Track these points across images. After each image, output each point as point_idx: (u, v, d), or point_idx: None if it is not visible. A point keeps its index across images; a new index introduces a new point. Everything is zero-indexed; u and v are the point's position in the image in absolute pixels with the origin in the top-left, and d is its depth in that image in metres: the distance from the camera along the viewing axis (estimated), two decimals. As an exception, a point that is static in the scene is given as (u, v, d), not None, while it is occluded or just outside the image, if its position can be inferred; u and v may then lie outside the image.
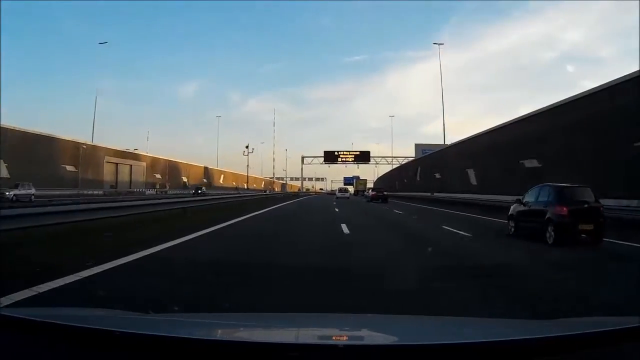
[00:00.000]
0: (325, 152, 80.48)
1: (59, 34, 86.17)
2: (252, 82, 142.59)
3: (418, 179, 40.40)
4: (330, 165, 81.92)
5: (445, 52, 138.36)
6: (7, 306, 2.47)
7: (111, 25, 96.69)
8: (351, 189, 79.44)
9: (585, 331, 1.44)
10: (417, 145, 68.55)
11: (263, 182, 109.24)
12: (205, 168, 78.88)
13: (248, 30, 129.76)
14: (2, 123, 27.52)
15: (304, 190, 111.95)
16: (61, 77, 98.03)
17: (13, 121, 36.29)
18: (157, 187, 57.65)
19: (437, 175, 33.39)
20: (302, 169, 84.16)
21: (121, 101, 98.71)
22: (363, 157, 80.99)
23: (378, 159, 77.80)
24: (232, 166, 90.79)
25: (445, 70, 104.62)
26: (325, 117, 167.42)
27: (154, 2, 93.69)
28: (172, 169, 65.36)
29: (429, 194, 31.42)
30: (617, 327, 1.46)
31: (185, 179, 72.19)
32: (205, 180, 78.15)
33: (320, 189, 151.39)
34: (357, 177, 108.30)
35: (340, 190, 53.64)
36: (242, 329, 1.75)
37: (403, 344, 1.48)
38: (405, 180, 50.55)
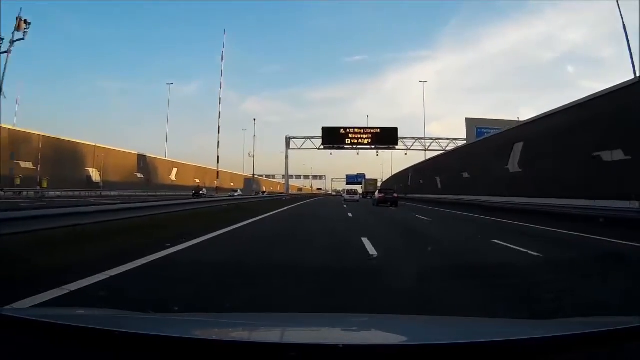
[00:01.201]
0: (326, 130, 53.42)
1: (56, 34, 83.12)
2: (251, 82, 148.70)
3: (514, 168, 23.98)
4: (333, 151, 54.48)
5: (445, 53, 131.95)
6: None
7: (110, 25, 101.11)
8: (359, 190, 67.33)
9: (585, 331, 1.45)
10: (469, 121, 49.53)
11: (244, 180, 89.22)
12: (140, 157, 59.73)
13: (247, 31, 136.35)
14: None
15: (296, 190, 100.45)
16: (61, 77, 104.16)
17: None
18: (17, 183, 36.05)
19: (609, 157, 15.68)
20: (286, 155, 56.85)
21: (121, 101, 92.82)
22: (386, 137, 52.84)
23: (409, 142, 53.52)
24: (229, 167, 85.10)
25: (444, 71, 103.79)
26: (325, 118, 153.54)
27: (153, 2, 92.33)
28: (58, 154, 41.79)
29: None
30: (617, 327, 1.47)
31: (94, 173, 50.24)
32: (140, 175, 57.46)
33: (318, 189, 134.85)
34: (364, 176, 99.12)
35: (349, 192, 48.01)
36: (242, 329, 1.76)
37: (403, 343, 1.49)
38: (466, 175, 32.44)
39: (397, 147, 48.85)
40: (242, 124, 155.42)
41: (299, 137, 50.90)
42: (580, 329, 1.44)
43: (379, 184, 75.20)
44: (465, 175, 31.71)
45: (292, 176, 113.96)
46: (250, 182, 45.84)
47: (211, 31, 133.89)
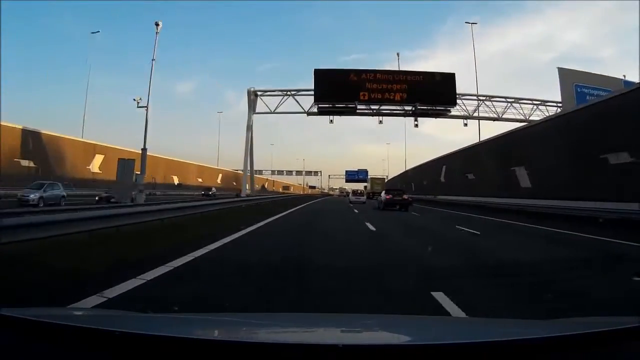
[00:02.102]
0: (321, 76, 30.53)
1: (52, 31, 75.60)
2: (249, 80, 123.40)
3: None
4: (334, 117, 31.86)
5: (442, 52, 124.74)
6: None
7: (106, 22, 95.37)
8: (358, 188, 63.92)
9: (585, 331, 1.46)
10: (563, 74, 31.72)
11: (220, 176, 78.00)
12: (29, 134, 39.25)
13: (245, 29, 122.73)
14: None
15: (279, 189, 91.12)
16: (53, 74, 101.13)
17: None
18: None
19: None
20: (248, 126, 34.61)
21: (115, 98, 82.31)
22: (435, 92, 29.63)
23: (469, 103, 34.10)
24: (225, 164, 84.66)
25: (440, 69, 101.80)
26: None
27: (149, 1, 74.65)
28: None
29: None
30: (617, 327, 1.47)
31: None
32: (29, 162, 38.21)
33: (311, 187, 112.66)
34: (365, 173, 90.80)
35: (355, 193, 47.37)
36: (241, 329, 1.77)
37: (403, 344, 1.50)
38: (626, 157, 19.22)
39: (453, 109, 26.70)
40: (238, 123, 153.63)
41: (273, 91, 28.96)
42: (580, 329, 1.50)
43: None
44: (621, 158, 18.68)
45: (282, 172, 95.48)
46: (129, 167, 21.30)
47: (205, 30, 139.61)
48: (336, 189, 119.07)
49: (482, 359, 1.27)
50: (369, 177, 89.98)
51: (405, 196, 30.10)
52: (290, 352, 1.25)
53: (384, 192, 32.86)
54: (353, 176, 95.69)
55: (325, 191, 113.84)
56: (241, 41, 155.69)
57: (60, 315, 1.65)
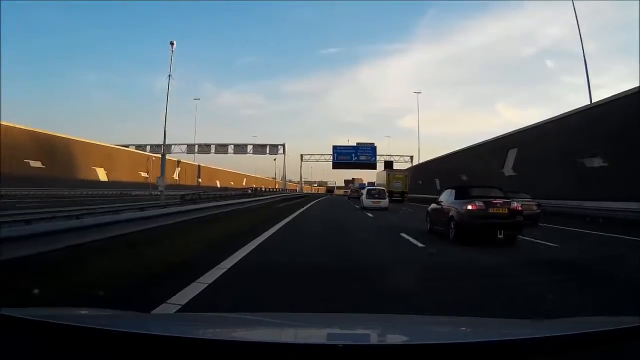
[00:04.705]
0: None
1: (29, 26, 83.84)
2: (226, 74, 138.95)
3: None
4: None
5: (422, 45, 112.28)
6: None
7: (84, 13, 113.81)
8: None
9: (585, 331, 1.50)
10: None
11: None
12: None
13: (223, 21, 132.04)
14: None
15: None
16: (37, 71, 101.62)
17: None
18: None
19: None
20: None
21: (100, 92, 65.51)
22: None
23: None
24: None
25: (421, 63, 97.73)
26: (301, 110, 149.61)
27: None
28: None
29: None
30: (617, 327, 1.52)
31: None
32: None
33: (311, 187, 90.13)
34: (372, 150, 61.25)
35: (371, 193, 30.80)
36: (242, 328, 1.81)
37: (403, 343, 1.52)
38: None
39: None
40: (218, 117, 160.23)
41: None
42: (580, 329, 1.51)
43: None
44: None
45: (208, 146, 60.22)
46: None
47: (185, 24, 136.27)
48: (315, 183, 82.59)
49: (482, 358, 1.27)
50: (378, 158, 60.63)
51: (516, 205, 11.22)
52: (290, 352, 1.24)
53: (451, 192, 12.89)
54: (347, 156, 60.31)
55: (292, 187, 77.09)
56: (218, 35, 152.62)
57: (61, 315, 1.66)
